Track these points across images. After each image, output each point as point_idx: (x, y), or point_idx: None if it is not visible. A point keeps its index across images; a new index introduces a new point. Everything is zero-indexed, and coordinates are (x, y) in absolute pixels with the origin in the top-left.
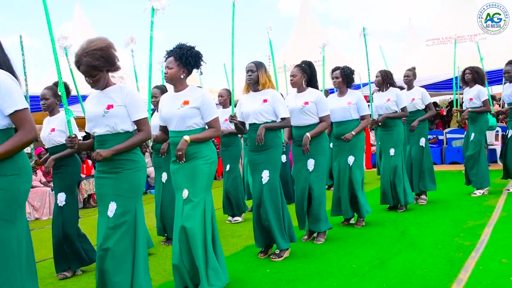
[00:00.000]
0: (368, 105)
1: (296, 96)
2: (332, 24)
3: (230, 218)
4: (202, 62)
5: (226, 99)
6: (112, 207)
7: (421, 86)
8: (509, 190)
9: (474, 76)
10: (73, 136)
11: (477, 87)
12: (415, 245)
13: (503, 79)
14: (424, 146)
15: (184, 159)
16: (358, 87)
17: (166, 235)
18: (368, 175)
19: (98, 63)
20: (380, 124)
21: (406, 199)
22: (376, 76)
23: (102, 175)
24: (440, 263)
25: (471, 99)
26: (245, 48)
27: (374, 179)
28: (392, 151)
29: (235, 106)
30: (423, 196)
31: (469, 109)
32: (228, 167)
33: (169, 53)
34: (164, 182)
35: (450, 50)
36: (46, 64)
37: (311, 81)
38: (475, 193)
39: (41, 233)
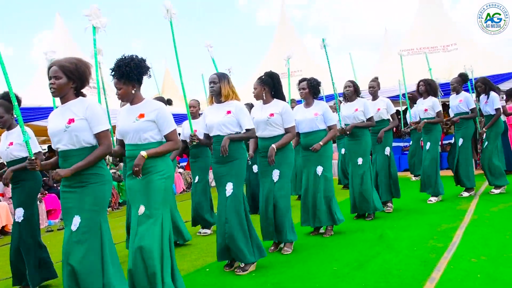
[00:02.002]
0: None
1: (262, 108)
2: (310, 32)
3: (201, 230)
4: (147, 70)
5: (197, 110)
6: (76, 221)
7: (393, 96)
8: (494, 192)
9: (427, 88)
10: (33, 158)
11: (431, 98)
12: (392, 248)
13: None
14: (389, 155)
15: (141, 174)
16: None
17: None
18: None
19: (70, 66)
20: (348, 133)
21: (374, 207)
22: (348, 87)
23: (67, 189)
24: (415, 263)
25: (426, 110)
26: (224, 58)
27: (336, 189)
28: (360, 160)
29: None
30: (389, 204)
31: (425, 120)
32: (197, 178)
33: (112, 75)
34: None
35: (424, 60)
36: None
37: (276, 92)
38: (431, 200)
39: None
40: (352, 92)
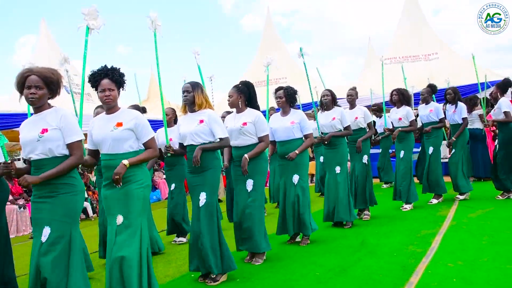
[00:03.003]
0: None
1: (235, 117)
2: (295, 38)
3: (176, 238)
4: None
5: (171, 118)
6: (46, 232)
7: (375, 104)
8: (459, 198)
9: (400, 97)
10: (9, 162)
11: (405, 107)
12: (373, 253)
13: (420, 100)
14: (366, 163)
15: (121, 183)
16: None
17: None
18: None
19: (52, 77)
20: (326, 142)
21: (352, 215)
22: (326, 96)
23: (38, 199)
24: (395, 269)
25: (400, 118)
26: (209, 64)
27: (314, 197)
28: (337, 169)
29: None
30: (366, 212)
31: (399, 129)
32: (173, 186)
33: (101, 75)
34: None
35: (406, 68)
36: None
37: (250, 101)
38: (405, 208)
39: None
40: (329, 101)
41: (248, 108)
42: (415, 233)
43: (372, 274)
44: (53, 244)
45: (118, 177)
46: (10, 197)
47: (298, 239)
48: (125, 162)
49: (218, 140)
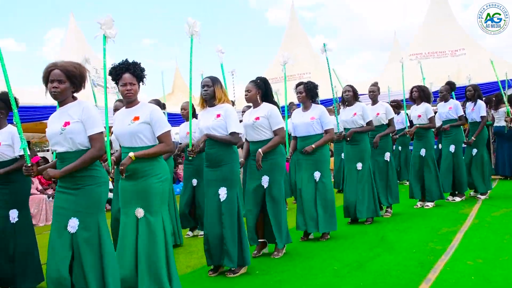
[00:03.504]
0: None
1: (251, 112)
2: (320, 33)
3: (189, 232)
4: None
5: (187, 112)
6: (74, 223)
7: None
8: (480, 198)
9: (420, 94)
10: (29, 165)
11: (424, 104)
12: (392, 250)
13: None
14: (388, 160)
15: (124, 174)
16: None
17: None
18: None
19: (74, 71)
20: (348, 139)
21: (373, 212)
22: (348, 91)
23: (63, 189)
24: (413, 265)
25: (419, 116)
26: (232, 57)
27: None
28: (359, 165)
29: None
30: (388, 209)
31: (417, 125)
32: (195, 182)
33: (123, 69)
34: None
35: (432, 64)
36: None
37: (266, 97)
38: (427, 205)
39: (38, 239)
40: (351, 97)
41: (263, 103)
42: (435, 230)
43: (390, 270)
44: (82, 234)
45: (122, 168)
46: (40, 187)
47: (311, 236)
48: (131, 154)
49: (230, 134)
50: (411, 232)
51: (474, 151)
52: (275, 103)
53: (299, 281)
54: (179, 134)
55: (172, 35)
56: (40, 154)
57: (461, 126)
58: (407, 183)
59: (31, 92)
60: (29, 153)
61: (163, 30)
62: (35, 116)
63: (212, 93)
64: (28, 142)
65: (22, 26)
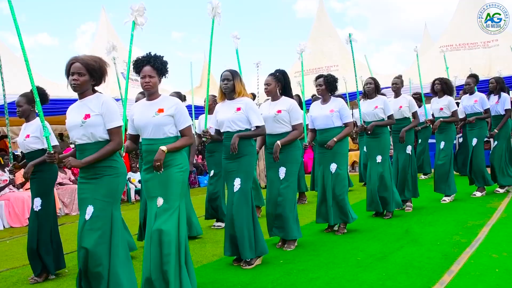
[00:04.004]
0: (354, 111)
1: (270, 104)
2: (349, 24)
3: (215, 223)
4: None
5: (212, 105)
6: (89, 211)
7: (415, 93)
8: (499, 191)
9: (443, 87)
10: (52, 152)
11: (447, 97)
12: (416, 242)
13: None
14: (410, 153)
15: (162, 169)
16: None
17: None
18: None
19: (94, 65)
20: (369, 132)
21: (393, 206)
22: (369, 84)
23: (83, 180)
24: (436, 257)
25: (441, 108)
26: (258, 49)
27: (358, 186)
28: (379, 158)
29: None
30: (408, 203)
31: (441, 119)
32: (212, 172)
33: (144, 62)
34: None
35: (463, 56)
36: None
37: (285, 90)
38: (444, 200)
39: (71, 227)
40: (372, 89)
41: (283, 96)
42: (462, 223)
43: (413, 261)
44: (96, 222)
45: (159, 163)
46: (73, 178)
47: (335, 228)
48: (164, 148)
49: (255, 128)
50: (437, 225)
51: (495, 143)
52: (294, 96)
53: (322, 270)
54: (198, 126)
55: (200, 28)
56: (72, 146)
57: (486, 120)
58: (423, 177)
59: (64, 85)
60: (57, 143)
61: (191, 23)
62: (65, 109)
63: (232, 87)
64: (61, 134)
65: (55, 20)
